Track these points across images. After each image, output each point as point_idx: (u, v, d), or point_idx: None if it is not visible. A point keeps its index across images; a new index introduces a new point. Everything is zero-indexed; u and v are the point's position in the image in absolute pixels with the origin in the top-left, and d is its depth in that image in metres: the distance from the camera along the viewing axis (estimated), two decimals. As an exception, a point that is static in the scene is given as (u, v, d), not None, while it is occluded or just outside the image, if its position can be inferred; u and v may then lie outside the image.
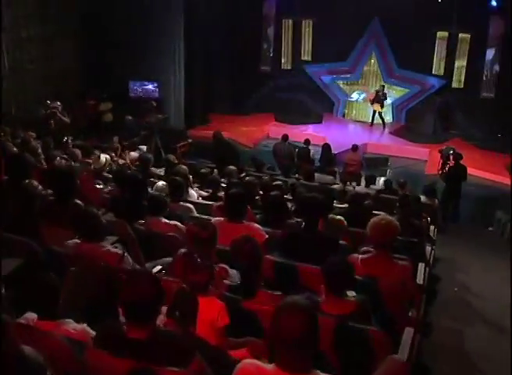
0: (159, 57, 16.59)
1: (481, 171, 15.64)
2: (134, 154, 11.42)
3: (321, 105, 20.27)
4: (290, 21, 19.85)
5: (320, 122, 19.57)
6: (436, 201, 11.22)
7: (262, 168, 12.52)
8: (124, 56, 15.85)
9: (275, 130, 18.49)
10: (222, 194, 7.49)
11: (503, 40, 17.66)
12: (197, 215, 6.19)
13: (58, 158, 8.04)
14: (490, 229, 13.12)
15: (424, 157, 16.98)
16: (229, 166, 9.44)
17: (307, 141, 14.16)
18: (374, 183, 11.87)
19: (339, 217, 5.93)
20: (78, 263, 3.73)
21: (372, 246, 4.84)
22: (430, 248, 6.95)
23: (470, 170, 13.84)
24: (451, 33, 18.20)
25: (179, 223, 5.22)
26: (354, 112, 20.40)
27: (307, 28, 19.74)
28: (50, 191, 5.53)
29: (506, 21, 17.29)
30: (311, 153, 14.03)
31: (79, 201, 4.94)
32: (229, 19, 18.93)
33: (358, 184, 13.10)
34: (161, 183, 7.65)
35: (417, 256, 5.73)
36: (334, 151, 15.21)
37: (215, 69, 19.27)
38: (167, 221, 5.19)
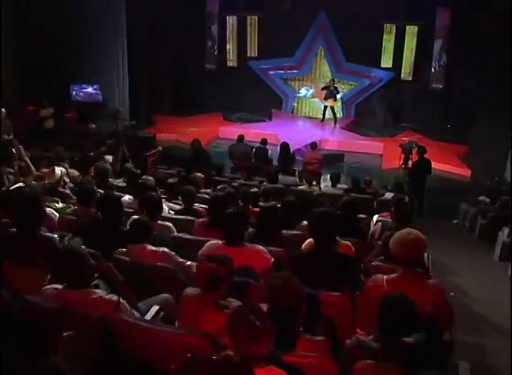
0: (101, 58, 15.55)
1: (435, 163, 15.28)
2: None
3: (269, 103, 19.64)
4: (235, 17, 19.14)
5: (270, 119, 18.96)
6: (406, 198, 10.72)
7: (222, 171, 11.77)
8: (64, 58, 14.70)
9: (224, 129, 17.75)
10: (198, 206, 6.70)
11: (449, 31, 17.54)
12: (179, 234, 5.39)
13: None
14: (455, 222, 12.82)
15: (379, 151, 16.61)
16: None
17: (264, 141, 13.49)
18: (339, 182, 11.28)
19: (346, 243, 5.22)
20: (64, 318, 2.90)
21: (395, 263, 4.20)
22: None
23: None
24: (398, 25, 17.93)
25: (167, 249, 4.42)
26: (303, 108, 19.89)
27: (252, 24, 19.08)
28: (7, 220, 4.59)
29: (453, 12, 17.17)
30: (269, 153, 13.36)
31: (48, 233, 4.07)
32: (171, 17, 18.03)
33: (318, 183, 12.56)
34: (127, 197, 6.80)
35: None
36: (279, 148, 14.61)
37: (158, 69, 18.33)
38: (153, 248, 4.36)
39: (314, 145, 13.27)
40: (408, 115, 18.52)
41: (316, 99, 19.49)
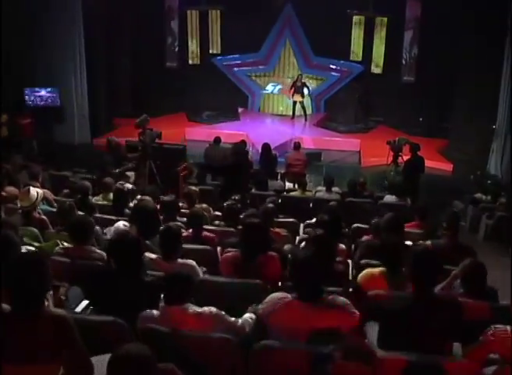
0: (56, 59, 14.13)
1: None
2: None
3: (235, 100, 18.51)
4: (196, 12, 17.85)
5: (237, 118, 17.80)
6: (409, 200, 9.82)
7: (205, 179, 10.65)
8: (16, 61, 13.17)
9: (190, 131, 16.53)
10: (209, 234, 5.54)
11: (419, 22, 16.83)
12: (208, 277, 4.23)
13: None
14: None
15: (356, 148, 15.72)
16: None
17: (243, 142, 12.33)
18: (333, 185, 10.24)
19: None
20: None
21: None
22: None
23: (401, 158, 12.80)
24: (368, 16, 17.10)
25: (214, 309, 3.24)
26: (271, 105, 18.83)
27: (214, 19, 17.83)
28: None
29: (423, 3, 16.43)
30: (249, 155, 12.22)
31: (58, 311, 2.84)
32: (129, 14, 16.62)
33: (304, 187, 11.52)
34: (121, 223, 5.55)
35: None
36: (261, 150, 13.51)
37: (117, 70, 16.92)
38: (197, 309, 3.17)
39: (297, 145, 12.23)
40: (380, 109, 17.78)
41: (284, 95, 18.45)
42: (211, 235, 5.52)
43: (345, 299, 3.28)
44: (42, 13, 13.48)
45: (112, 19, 15.97)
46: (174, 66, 18.24)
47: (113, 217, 6.31)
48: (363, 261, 4.99)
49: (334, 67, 17.74)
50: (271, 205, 6.32)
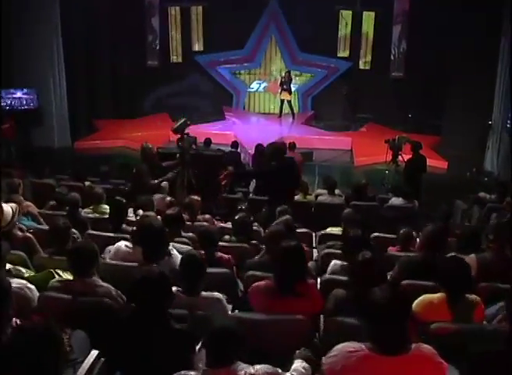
0: (34, 60, 13.22)
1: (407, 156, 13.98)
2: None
3: (219, 99, 17.80)
4: (177, 8, 17.04)
5: (223, 118, 17.04)
6: (416, 203, 9.21)
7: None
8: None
9: (175, 132, 15.64)
10: (224, 255, 4.82)
11: (408, 16, 16.23)
12: (237, 314, 3.52)
13: None
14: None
15: (347, 147, 15.12)
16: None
17: (234, 144, 11.69)
18: (336, 187, 9.56)
19: (474, 296, 3.58)
20: None
21: None
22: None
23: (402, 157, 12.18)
24: (355, 11, 16.46)
25: (270, 368, 2.51)
26: (256, 103, 18.13)
27: (196, 15, 17.04)
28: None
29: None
30: (242, 157, 11.51)
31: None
32: (108, 11, 15.74)
33: (306, 190, 10.83)
34: (123, 244, 4.81)
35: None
36: (250, 150, 12.83)
37: (97, 70, 16.04)
38: (250, 371, 2.45)
39: (292, 145, 11.52)
40: (369, 106, 17.12)
41: (269, 93, 17.77)
42: (226, 256, 4.81)
43: (430, 347, 2.60)
44: (19, 13, 12.58)
45: (90, 17, 15.13)
46: (155, 65, 17.40)
47: (110, 234, 5.55)
48: (405, 282, 4.31)
49: (321, 63, 17.08)
50: (287, 215, 5.61)
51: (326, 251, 5.46)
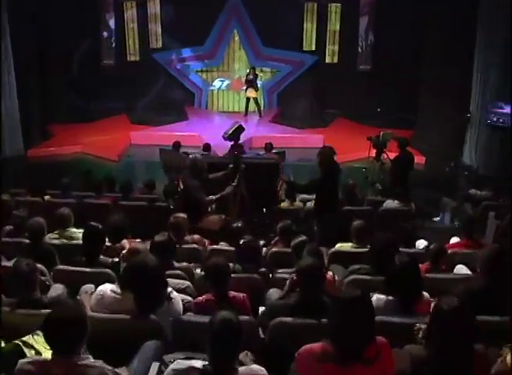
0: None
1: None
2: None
3: (180, 99, 16.61)
4: (133, 3, 15.74)
5: (185, 118, 15.89)
6: (413, 205, 8.35)
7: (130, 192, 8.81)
8: None
9: (136, 135, 14.60)
10: (238, 295, 3.77)
11: (374, 7, 15.46)
12: None
13: None
14: (436, 219, 10.61)
15: (319, 144, 14.08)
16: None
17: (207, 147, 10.59)
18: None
19: None
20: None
21: None
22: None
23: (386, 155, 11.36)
24: (320, 3, 15.58)
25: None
26: (219, 102, 17.05)
27: (153, 9, 15.80)
28: None
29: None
30: (216, 161, 10.39)
31: None
32: (59, 7, 14.30)
33: (293, 197, 9.87)
34: (108, 289, 3.71)
35: None
36: (219, 152, 11.78)
37: (48, 70, 14.62)
38: None
39: (269, 146, 10.61)
40: (336, 101, 16.30)
41: (233, 91, 16.72)
42: (240, 295, 3.77)
43: None
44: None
45: (40, 15, 13.69)
46: (111, 64, 16.09)
47: (85, 269, 4.44)
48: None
49: (286, 58, 16.12)
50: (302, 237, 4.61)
51: (352, 277, 4.47)
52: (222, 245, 5.53)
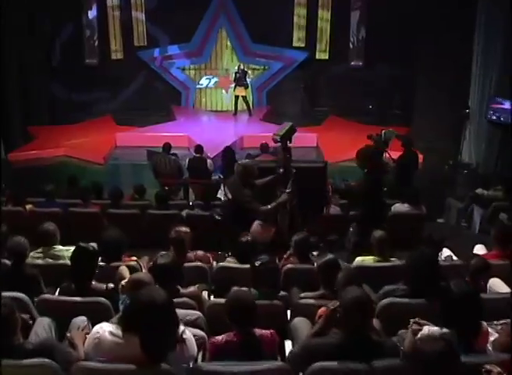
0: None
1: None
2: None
3: (166, 98, 15.88)
4: (116, -1, 14.89)
5: (172, 118, 15.15)
6: (424, 209, 7.73)
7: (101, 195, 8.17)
8: None
9: (122, 136, 13.83)
10: (266, 332, 3.10)
11: (366, 1, 14.80)
12: None
13: None
14: (440, 221, 10.01)
15: (313, 143, 13.58)
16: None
17: (199, 149, 9.85)
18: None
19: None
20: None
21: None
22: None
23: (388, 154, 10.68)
24: (310, -2, 14.91)
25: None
26: (206, 100, 16.30)
27: (137, 6, 14.99)
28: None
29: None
30: (208, 163, 9.70)
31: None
32: (39, 4, 13.45)
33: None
34: (106, 330, 2.99)
35: None
36: (209, 153, 11.07)
37: (29, 70, 13.74)
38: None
39: (265, 147, 9.86)
40: (328, 98, 15.74)
41: (221, 89, 16.00)
42: (268, 332, 3.08)
43: None
44: None
45: (20, 13, 12.81)
46: (95, 63, 15.21)
47: (76, 299, 3.73)
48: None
49: (276, 55, 15.45)
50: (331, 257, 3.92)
51: (388, 301, 3.80)
52: (230, 262, 4.83)
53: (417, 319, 3.39)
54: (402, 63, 14.42)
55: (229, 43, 15.63)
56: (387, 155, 10.26)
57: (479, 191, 9.58)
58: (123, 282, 3.56)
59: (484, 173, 11.59)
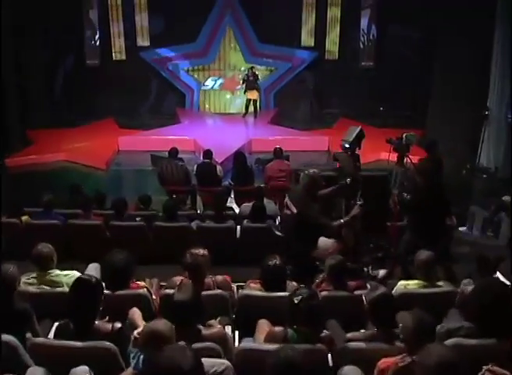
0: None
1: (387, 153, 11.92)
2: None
3: (170, 100, 15.24)
4: (118, -2, 14.20)
5: (176, 121, 14.46)
6: (454, 218, 7.00)
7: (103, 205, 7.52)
8: None
9: (125, 140, 13.14)
10: None
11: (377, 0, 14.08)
12: None
13: None
14: (463, 229, 9.31)
15: (324, 147, 12.92)
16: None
17: (208, 154, 9.14)
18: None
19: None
20: None
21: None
22: None
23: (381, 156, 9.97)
24: (319, -4, 14.25)
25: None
26: (211, 102, 15.62)
27: (140, 5, 14.29)
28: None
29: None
30: (218, 169, 8.99)
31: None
32: (40, 5, 12.75)
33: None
34: None
35: None
36: (217, 158, 10.33)
37: (29, 72, 13.08)
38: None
39: (279, 152, 9.19)
40: (337, 100, 15.05)
41: (226, 91, 15.33)
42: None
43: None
44: None
45: (19, 13, 12.13)
46: (96, 64, 14.51)
47: (76, 344, 3.03)
48: None
49: (283, 55, 14.76)
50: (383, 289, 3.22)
51: (453, 342, 3.10)
52: (254, 288, 4.12)
53: (490, 367, 2.75)
54: (414, 63, 13.78)
55: (235, 43, 14.94)
56: (408, 160, 9.65)
57: (506, 198, 8.90)
58: (136, 333, 2.87)
59: (504, 178, 10.95)
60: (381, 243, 6.03)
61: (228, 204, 8.40)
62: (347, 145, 5.90)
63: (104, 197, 7.75)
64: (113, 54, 14.56)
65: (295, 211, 5.29)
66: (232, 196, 8.98)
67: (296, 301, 3.07)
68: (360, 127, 6.24)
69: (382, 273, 5.51)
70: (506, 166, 11.30)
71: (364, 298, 3.32)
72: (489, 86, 11.48)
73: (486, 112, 11.53)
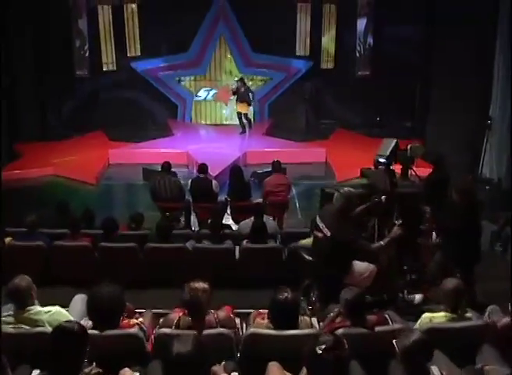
0: None
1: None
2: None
3: (163, 111, 14.73)
4: (107, 7, 13.66)
5: (169, 133, 14.00)
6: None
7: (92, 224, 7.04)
8: None
9: (115, 153, 12.69)
10: None
11: (373, 7, 13.75)
12: None
13: None
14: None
15: (321, 159, 12.50)
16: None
17: (202, 168, 8.67)
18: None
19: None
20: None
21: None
22: None
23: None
24: (314, 4, 13.82)
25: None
26: (204, 114, 15.16)
27: (130, 14, 13.81)
28: None
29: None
30: (214, 185, 8.50)
31: None
32: (28, 13, 12.34)
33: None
34: None
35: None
36: (211, 172, 9.82)
37: (17, 84, 12.61)
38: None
39: (277, 166, 8.71)
40: (333, 110, 14.66)
41: (220, 102, 14.89)
42: None
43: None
44: None
45: (5, 23, 11.69)
46: (85, 75, 13.98)
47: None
48: None
49: (278, 65, 14.33)
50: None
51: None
52: (262, 324, 3.62)
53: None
54: (413, 71, 13.44)
55: (228, 53, 14.49)
56: (412, 172, 9.22)
57: (515, 213, 8.48)
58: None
59: (508, 190, 10.57)
60: (414, 264, 5.58)
61: (224, 220, 7.94)
62: (383, 160, 5.41)
63: (93, 215, 7.25)
64: (103, 64, 14.04)
65: (328, 233, 4.81)
66: (229, 212, 8.54)
67: (319, 351, 2.56)
68: (396, 140, 5.79)
69: (418, 298, 5.07)
70: (510, 177, 10.96)
71: (395, 344, 2.84)
72: (491, 96, 11.12)
73: (489, 122, 11.17)
